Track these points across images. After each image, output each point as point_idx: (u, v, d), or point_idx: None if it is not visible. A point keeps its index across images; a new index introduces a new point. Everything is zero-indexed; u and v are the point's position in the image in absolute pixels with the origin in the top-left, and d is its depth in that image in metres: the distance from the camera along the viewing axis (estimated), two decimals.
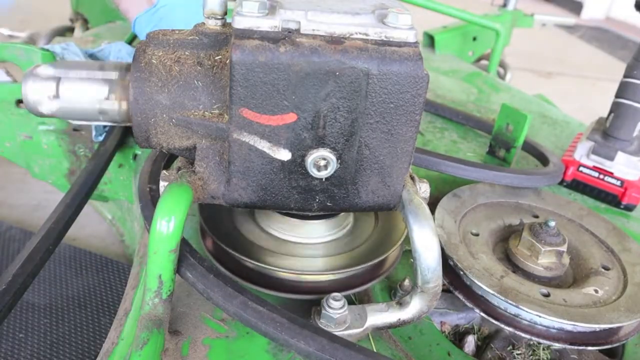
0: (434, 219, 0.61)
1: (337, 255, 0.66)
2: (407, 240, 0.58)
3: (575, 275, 0.76)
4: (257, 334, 0.57)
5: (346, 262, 0.65)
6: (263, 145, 0.52)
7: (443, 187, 0.89)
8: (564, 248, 0.72)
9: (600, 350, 0.69)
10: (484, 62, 2.02)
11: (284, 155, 0.53)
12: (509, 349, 0.67)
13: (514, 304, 0.64)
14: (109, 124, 0.57)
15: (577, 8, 5.95)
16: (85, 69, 0.54)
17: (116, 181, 1.14)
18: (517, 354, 0.67)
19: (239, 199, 0.56)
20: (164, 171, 0.55)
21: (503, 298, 0.64)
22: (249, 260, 0.62)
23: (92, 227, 1.49)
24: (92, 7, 1.94)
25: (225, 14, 0.54)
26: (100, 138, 1.00)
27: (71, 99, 0.54)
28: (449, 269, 0.70)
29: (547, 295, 0.67)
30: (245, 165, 0.53)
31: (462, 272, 0.68)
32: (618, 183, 0.98)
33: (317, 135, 0.52)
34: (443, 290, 0.66)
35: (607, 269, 0.75)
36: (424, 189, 0.59)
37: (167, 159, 0.74)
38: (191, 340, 0.58)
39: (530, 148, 1.07)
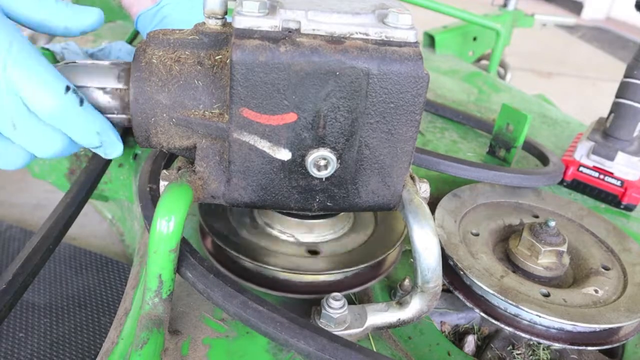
0: (434, 219, 0.62)
1: (337, 255, 0.66)
2: (407, 240, 0.58)
3: (575, 275, 0.76)
4: (257, 334, 0.57)
5: (346, 262, 0.65)
6: (263, 145, 0.52)
7: (443, 187, 0.89)
8: (564, 248, 0.72)
9: (600, 351, 0.69)
10: (484, 62, 2.02)
11: (284, 155, 0.53)
12: (509, 349, 0.67)
13: (514, 304, 0.64)
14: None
15: (577, 8, 5.95)
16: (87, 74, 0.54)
17: (116, 181, 1.14)
18: (517, 354, 0.67)
19: (239, 198, 0.56)
20: (164, 171, 0.55)
21: (503, 298, 0.64)
22: (248, 259, 0.62)
23: (92, 226, 1.49)
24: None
25: (226, 13, 0.54)
26: None
27: None
28: (449, 269, 0.70)
29: (547, 295, 0.67)
30: (245, 165, 0.53)
31: (462, 272, 0.68)
32: (618, 183, 0.98)
33: (317, 135, 0.52)
34: (443, 290, 0.66)
35: (607, 269, 0.75)
36: (424, 189, 0.59)
37: (167, 159, 0.74)
38: (191, 339, 0.58)
39: (530, 148, 1.07)
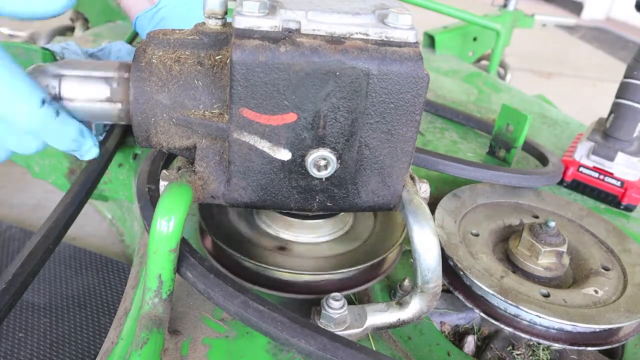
0: (434, 219, 0.61)
1: (337, 255, 0.66)
2: (407, 240, 0.58)
3: (575, 275, 0.76)
4: (257, 334, 0.57)
5: (346, 262, 0.65)
6: (263, 145, 0.52)
7: (443, 187, 0.89)
8: (564, 248, 0.72)
9: (600, 351, 0.69)
10: (484, 62, 2.03)
11: (284, 155, 0.53)
12: (508, 349, 0.67)
13: (513, 304, 0.64)
14: (109, 122, 0.57)
15: (577, 8, 5.95)
16: (86, 69, 0.54)
17: (116, 181, 1.13)
18: (517, 354, 0.67)
19: (239, 198, 0.56)
20: (164, 171, 0.55)
21: (503, 298, 0.64)
22: (248, 260, 0.62)
23: (92, 226, 1.49)
24: (93, 6, 1.94)
25: (226, 13, 0.54)
26: (100, 138, 1.01)
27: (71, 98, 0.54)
28: (449, 269, 0.70)
29: (547, 296, 0.67)
30: (245, 165, 0.53)
31: (462, 273, 0.68)
32: (618, 183, 0.98)
33: (317, 135, 0.52)
34: (443, 290, 0.66)
35: (607, 269, 0.75)
36: (424, 189, 0.59)
37: (166, 159, 0.74)
38: (191, 340, 0.58)
39: (530, 148, 1.07)
